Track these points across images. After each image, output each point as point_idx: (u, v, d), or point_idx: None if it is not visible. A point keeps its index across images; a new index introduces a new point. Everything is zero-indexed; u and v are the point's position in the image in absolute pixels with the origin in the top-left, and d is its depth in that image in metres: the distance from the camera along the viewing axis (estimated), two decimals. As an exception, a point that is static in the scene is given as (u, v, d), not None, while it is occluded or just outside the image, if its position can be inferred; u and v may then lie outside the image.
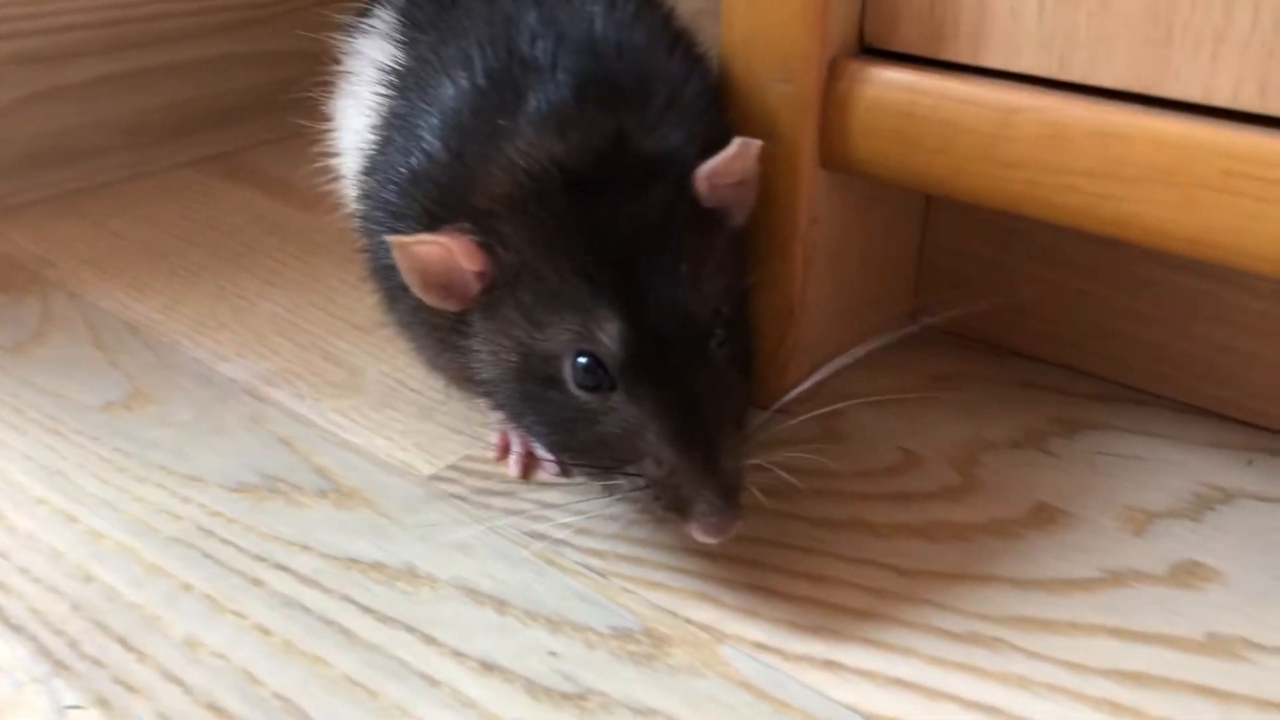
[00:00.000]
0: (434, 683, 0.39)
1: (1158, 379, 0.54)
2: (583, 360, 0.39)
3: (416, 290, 0.41)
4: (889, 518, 0.47)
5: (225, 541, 0.45)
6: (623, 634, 0.41)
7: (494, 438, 0.50)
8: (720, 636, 0.41)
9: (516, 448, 0.50)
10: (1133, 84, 0.41)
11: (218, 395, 0.55)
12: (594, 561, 0.44)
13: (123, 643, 0.40)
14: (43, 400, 0.55)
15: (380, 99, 0.47)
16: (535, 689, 0.39)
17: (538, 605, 0.42)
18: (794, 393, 0.44)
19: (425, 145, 0.43)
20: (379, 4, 0.52)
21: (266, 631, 0.41)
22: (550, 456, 0.49)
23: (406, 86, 0.46)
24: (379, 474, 0.49)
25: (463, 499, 0.48)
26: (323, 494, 0.48)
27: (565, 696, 0.38)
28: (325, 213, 0.57)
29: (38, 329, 0.61)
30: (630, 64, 0.43)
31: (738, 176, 0.42)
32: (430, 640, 0.40)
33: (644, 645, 0.40)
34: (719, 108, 0.46)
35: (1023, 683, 0.39)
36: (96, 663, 0.39)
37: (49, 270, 0.67)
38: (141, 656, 0.40)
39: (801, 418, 0.51)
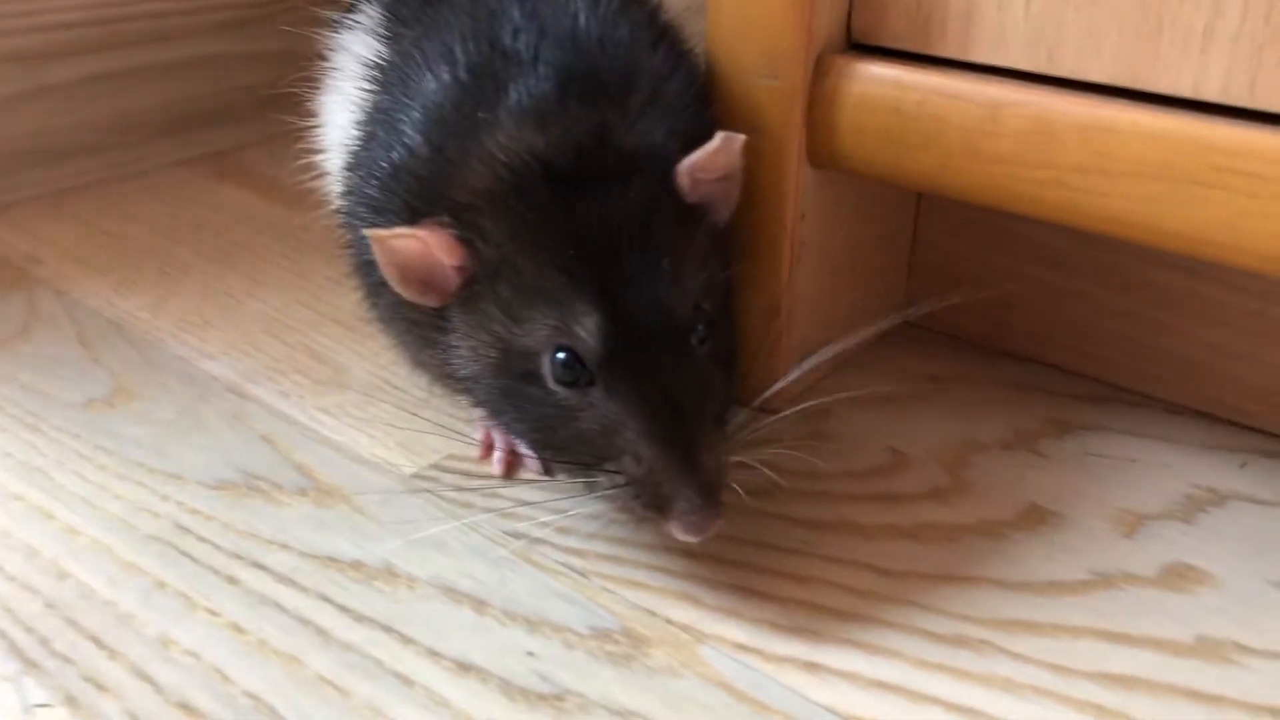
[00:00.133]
0: (408, 682, 0.38)
1: (1150, 380, 0.53)
2: (561, 355, 0.39)
3: (395, 285, 0.41)
4: (876, 518, 0.46)
5: (202, 539, 0.45)
6: (601, 634, 0.40)
7: (478, 436, 0.50)
8: (700, 637, 0.40)
9: (500, 446, 0.49)
10: (1121, 78, 0.41)
11: (200, 393, 0.55)
12: (574, 561, 0.44)
13: (95, 640, 0.40)
14: (24, 397, 0.54)
15: (364, 94, 0.47)
16: (511, 689, 0.38)
17: (516, 605, 0.42)
18: (776, 386, 0.44)
19: (406, 139, 0.42)
20: (365, 0, 0.51)
21: (240, 630, 0.40)
22: (534, 455, 0.48)
23: (389, 81, 0.46)
24: (360, 472, 0.49)
25: (444, 498, 0.47)
26: (302, 492, 0.47)
27: (542, 697, 0.38)
28: (311, 210, 0.57)
29: (23, 326, 0.61)
30: (613, 58, 0.42)
31: (721, 171, 0.42)
32: (406, 640, 0.40)
33: (623, 645, 0.40)
34: (703, 103, 0.46)
35: (1008, 685, 0.38)
36: (66, 660, 0.39)
37: (36, 268, 0.67)
38: (113, 654, 0.39)
39: (788, 415, 0.50)
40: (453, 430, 0.50)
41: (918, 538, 0.45)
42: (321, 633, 0.40)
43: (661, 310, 0.39)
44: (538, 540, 0.45)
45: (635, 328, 0.38)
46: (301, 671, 0.39)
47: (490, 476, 0.48)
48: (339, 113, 0.49)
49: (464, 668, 0.39)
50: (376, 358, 0.57)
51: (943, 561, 0.44)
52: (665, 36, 0.46)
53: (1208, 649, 0.40)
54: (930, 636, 0.40)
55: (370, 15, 0.49)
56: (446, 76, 0.42)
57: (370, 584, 0.42)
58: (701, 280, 0.40)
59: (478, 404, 0.45)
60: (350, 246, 0.48)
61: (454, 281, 0.41)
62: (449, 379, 0.45)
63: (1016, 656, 0.39)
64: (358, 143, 0.46)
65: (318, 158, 0.53)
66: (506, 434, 0.49)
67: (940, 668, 0.39)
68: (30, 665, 0.39)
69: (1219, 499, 0.47)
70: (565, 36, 0.42)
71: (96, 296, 0.64)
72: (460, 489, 0.48)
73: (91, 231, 0.72)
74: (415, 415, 0.53)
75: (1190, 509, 0.46)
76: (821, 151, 0.47)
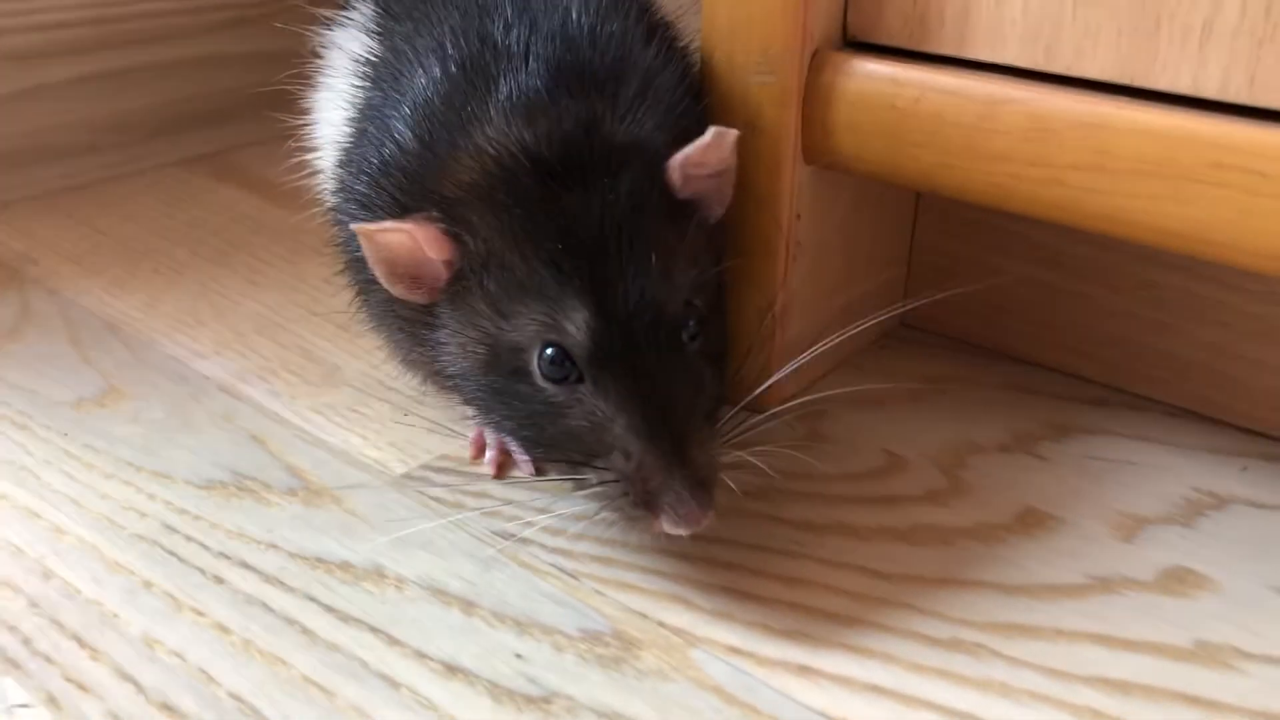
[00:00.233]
0: (394, 684, 0.38)
1: (1151, 382, 0.53)
2: (549, 351, 0.38)
3: (384, 281, 0.41)
4: (871, 521, 0.46)
5: (189, 539, 0.44)
6: (592, 636, 0.40)
7: (469, 436, 0.49)
8: (692, 640, 0.40)
9: (492, 446, 0.49)
10: (1119, 75, 0.40)
11: (192, 392, 0.54)
12: (565, 562, 0.43)
13: (78, 640, 0.39)
14: (14, 396, 0.54)
15: (356, 91, 0.47)
16: (499, 692, 0.37)
17: (506, 606, 0.41)
18: (768, 382, 0.43)
19: (396, 135, 0.42)
20: (359, -3, 0.51)
21: (225, 630, 0.40)
22: (525, 455, 0.48)
23: (380, 77, 0.45)
24: (351, 472, 0.48)
25: (435, 498, 0.47)
26: (292, 492, 0.47)
27: (529, 700, 0.37)
28: (305, 209, 0.56)
29: (14, 325, 0.60)
30: (604, 53, 0.42)
31: (713, 167, 0.41)
32: (393, 641, 0.39)
33: (613, 648, 0.39)
34: (696, 99, 0.45)
35: (1004, 690, 0.38)
36: (49, 661, 0.38)
37: (30, 267, 0.67)
38: (96, 654, 0.39)
39: (783, 416, 0.50)
40: (444, 430, 0.50)
41: (913, 540, 0.44)
42: (308, 633, 0.40)
43: (651, 306, 0.38)
44: (528, 541, 0.44)
45: (624, 323, 0.38)
46: (287, 672, 0.38)
47: (482, 477, 0.48)
48: (331, 110, 0.49)
49: (451, 669, 0.38)
50: (369, 357, 0.56)
51: (939, 565, 0.43)
52: (658, 32, 0.46)
53: (1207, 654, 0.39)
54: (925, 640, 0.40)
55: (363, 12, 0.49)
56: (437, 71, 0.42)
57: (358, 584, 0.42)
58: (692, 276, 0.40)
59: (467, 402, 0.44)
60: (341, 244, 0.47)
61: (442, 277, 0.40)
62: (439, 377, 0.45)
63: (1013, 661, 0.39)
64: (349, 140, 0.46)
65: (310, 155, 0.53)
66: (498, 434, 0.48)
67: (935, 672, 0.38)
68: (11, 665, 0.38)
69: (1219, 503, 0.46)
70: (556, 31, 0.42)
71: (90, 296, 0.63)
72: (451, 489, 0.47)
73: (87, 231, 0.72)
74: (407, 415, 0.52)
75: (1190, 513, 0.46)
76: (817, 149, 0.47)
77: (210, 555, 0.43)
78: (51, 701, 0.37)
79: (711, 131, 0.40)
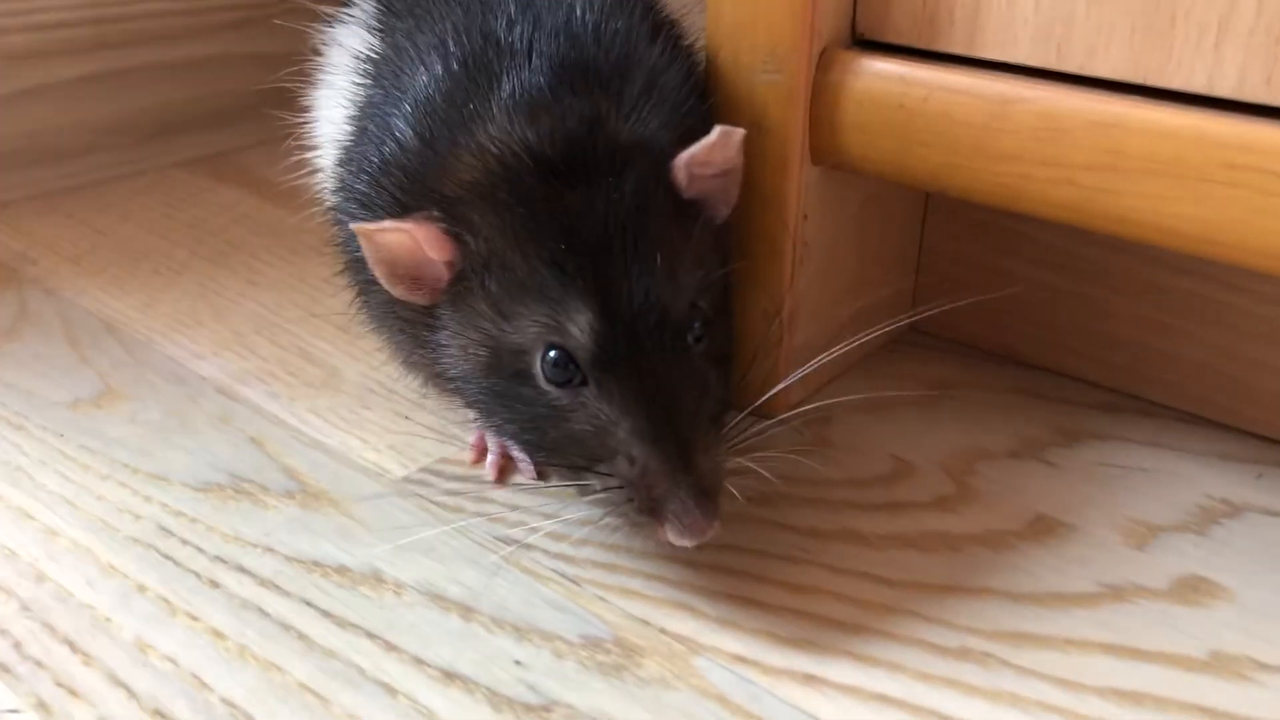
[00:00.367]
0: (391, 691, 0.37)
1: (1163, 388, 0.52)
2: (552, 354, 0.38)
3: (384, 282, 0.40)
4: (879, 527, 0.45)
5: (185, 542, 0.44)
6: (593, 643, 0.39)
7: (470, 439, 0.49)
8: (696, 648, 0.39)
9: (493, 450, 0.48)
10: (1133, 74, 0.39)
11: (190, 394, 0.54)
12: (567, 567, 0.42)
13: (70, 645, 0.39)
14: (10, 396, 0.53)
15: (356, 88, 0.46)
16: (497, 699, 0.37)
17: (505, 612, 0.40)
18: (776, 388, 0.42)
19: (397, 133, 0.41)
20: (360, -7, 0.50)
21: (220, 635, 0.39)
22: (527, 458, 0.47)
23: (381, 75, 0.45)
24: (349, 475, 0.48)
25: (435, 502, 0.46)
26: (289, 495, 0.46)
27: (528, 708, 0.36)
28: (305, 209, 0.56)
29: (11, 326, 0.60)
30: (608, 50, 0.41)
31: (719, 167, 0.40)
32: (390, 647, 0.39)
33: (614, 655, 0.38)
34: (702, 97, 0.44)
35: (1013, 700, 0.37)
36: (39, 665, 0.38)
37: (29, 267, 0.66)
38: (88, 659, 0.38)
39: (790, 421, 0.49)
40: (445, 433, 0.49)
41: (922, 547, 0.44)
42: (304, 638, 0.39)
43: (656, 307, 0.37)
44: (529, 546, 0.43)
45: (629, 325, 0.37)
46: (281, 678, 0.37)
47: (483, 481, 0.47)
48: (332, 108, 0.48)
49: (449, 676, 0.37)
50: (370, 359, 0.56)
51: (947, 572, 0.42)
52: (663, 30, 0.45)
53: (1221, 665, 0.38)
54: (934, 649, 0.39)
55: (364, 8, 0.49)
56: (439, 69, 0.41)
57: (355, 589, 0.41)
58: (698, 277, 0.39)
59: (468, 405, 0.43)
60: (341, 243, 0.47)
61: (443, 277, 0.39)
62: (440, 379, 0.44)
63: (1023, 670, 0.38)
64: (350, 138, 0.45)
65: (310, 154, 0.52)
66: (500, 437, 0.47)
67: (943, 681, 0.38)
68: (2, 669, 0.37)
69: (1234, 510, 0.46)
70: (560, 28, 0.41)
71: (88, 296, 0.63)
72: (451, 493, 0.46)
73: (86, 231, 0.71)
74: (407, 418, 0.51)
75: (1204, 520, 0.45)
76: (825, 149, 0.46)
77: (206, 559, 0.43)
78: (42, 707, 0.36)
79: (717, 130, 0.39)
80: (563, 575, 0.42)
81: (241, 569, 0.42)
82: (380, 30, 0.46)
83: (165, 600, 0.41)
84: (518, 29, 0.41)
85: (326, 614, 0.40)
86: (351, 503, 0.46)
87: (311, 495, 0.46)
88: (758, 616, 0.40)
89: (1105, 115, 0.39)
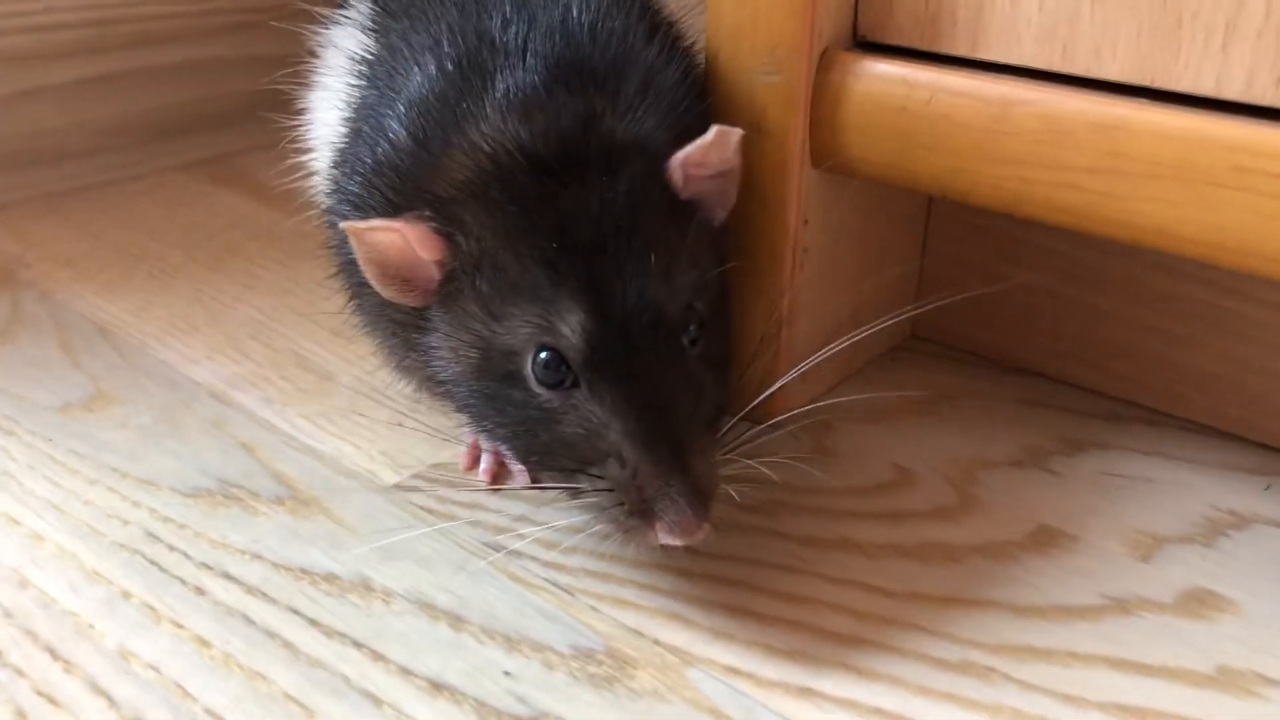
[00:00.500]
0: (377, 702, 0.36)
1: (1169, 397, 0.51)
2: (543, 355, 0.37)
3: (375, 283, 0.39)
4: (878, 537, 0.44)
5: (172, 548, 0.43)
6: (584, 654, 0.38)
7: (464, 445, 0.48)
8: (689, 659, 0.38)
9: (487, 455, 0.47)
10: (1138, 76, 0.39)
11: (182, 398, 0.53)
12: (560, 576, 0.42)
13: (51, 652, 0.38)
14: None
15: (351, 90, 0.45)
16: (486, 711, 0.36)
17: (496, 621, 0.39)
18: (772, 385, 0.41)
19: (390, 134, 0.41)
20: (356, -6, 0.50)
21: (205, 643, 0.38)
22: (521, 466, 0.47)
23: (376, 75, 0.44)
24: (340, 481, 0.47)
25: (426, 509, 0.45)
26: (279, 501, 0.46)
27: (517, 720, 0.36)
28: (301, 212, 0.55)
29: (4, 328, 0.59)
30: (604, 49, 0.41)
31: (716, 167, 0.40)
32: (378, 656, 0.38)
33: (606, 667, 0.38)
34: (700, 98, 0.44)
35: (1015, 715, 0.36)
36: (19, 673, 0.37)
37: (24, 270, 0.66)
38: (69, 667, 0.37)
39: (789, 428, 0.48)
40: (438, 438, 0.49)
41: (922, 558, 0.43)
42: (289, 647, 0.38)
43: (650, 307, 0.37)
44: (521, 554, 0.43)
45: (621, 325, 0.36)
46: (266, 688, 0.37)
47: (475, 487, 0.47)
48: (327, 110, 0.48)
49: (437, 687, 0.37)
50: (363, 363, 0.55)
51: (948, 583, 0.41)
52: (660, 30, 0.44)
53: (1228, 680, 0.37)
54: (934, 662, 0.38)
55: (360, 9, 0.48)
56: (433, 69, 0.41)
57: (344, 597, 0.40)
58: (693, 278, 0.38)
59: (460, 409, 0.43)
60: (334, 246, 0.46)
61: (434, 278, 0.39)
62: (432, 383, 0.44)
63: (1025, 685, 0.37)
64: (344, 140, 0.45)
65: (306, 157, 0.51)
66: (492, 442, 0.47)
67: (944, 696, 0.37)
68: (-19, 677, 0.37)
69: (1241, 522, 0.45)
70: (556, 27, 0.41)
71: (83, 299, 0.62)
72: (443, 500, 0.46)
73: (83, 234, 0.71)
74: (400, 424, 0.51)
75: (1210, 532, 0.44)
76: (825, 151, 0.45)
77: (192, 565, 0.42)
78: (20, 715, 0.35)
79: (714, 130, 0.38)
80: (555, 584, 0.41)
81: (228, 576, 0.41)
82: (375, 31, 0.46)
83: (150, 607, 0.40)
84: (513, 28, 0.41)
85: (314, 622, 0.39)
86: (342, 509, 0.45)
87: (302, 501, 0.46)
88: (753, 627, 0.39)
89: (1109, 118, 0.39)
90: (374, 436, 0.50)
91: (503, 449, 0.46)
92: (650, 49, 0.42)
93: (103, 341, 0.58)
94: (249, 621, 0.39)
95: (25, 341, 0.58)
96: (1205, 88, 0.37)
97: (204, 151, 0.83)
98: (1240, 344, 0.48)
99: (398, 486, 0.47)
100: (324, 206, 0.48)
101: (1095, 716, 0.36)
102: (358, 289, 0.45)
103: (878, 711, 0.36)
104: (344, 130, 0.45)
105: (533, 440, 0.38)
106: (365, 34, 0.46)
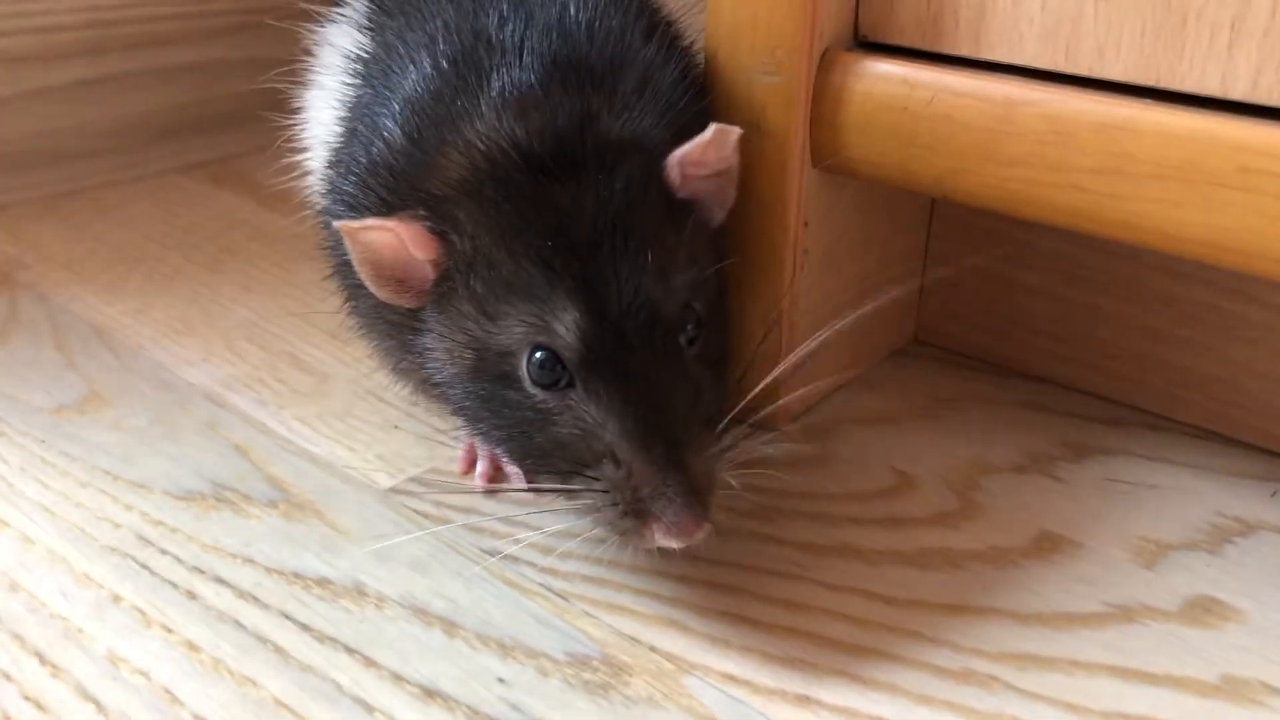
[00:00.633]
0: (369, 709, 0.36)
1: (1174, 402, 0.51)
2: (538, 355, 0.36)
3: (370, 284, 0.39)
4: (878, 543, 0.43)
5: (163, 551, 0.42)
6: (579, 661, 0.38)
7: (460, 448, 0.47)
8: (686, 666, 0.38)
9: (483, 459, 0.47)
10: (1143, 76, 0.38)
11: (177, 400, 0.52)
12: (555, 582, 0.41)
13: (39, 657, 0.37)
14: (-6, 401, 0.52)
15: (346, 89, 0.45)
16: (478, 718, 0.35)
17: (490, 628, 0.39)
18: (766, 384, 0.41)
19: (385, 133, 0.40)
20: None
21: (195, 648, 0.38)
22: (517, 470, 0.46)
23: (371, 74, 0.44)
24: (335, 485, 0.46)
25: (422, 513, 0.45)
26: (273, 504, 0.45)
27: (511, 727, 0.35)
28: (300, 214, 0.55)
29: (0, 329, 0.59)
30: (601, 47, 0.40)
31: (714, 167, 0.39)
32: (370, 662, 0.37)
33: (601, 674, 0.37)
34: (698, 96, 0.43)
35: (1017, 725, 0.35)
36: (7, 678, 0.37)
37: (21, 272, 0.65)
38: (57, 672, 0.37)
39: (788, 432, 0.48)
40: (434, 442, 0.48)
41: (923, 564, 0.42)
42: (280, 652, 0.38)
43: (646, 306, 0.36)
44: (516, 559, 0.42)
45: (617, 324, 0.36)
46: (256, 694, 0.36)
47: (471, 491, 0.46)
48: (322, 110, 0.47)
49: (430, 694, 0.36)
50: (360, 366, 0.54)
51: (949, 590, 0.41)
52: (659, 29, 0.44)
53: (1233, 689, 0.37)
54: (934, 670, 0.37)
55: (356, 8, 0.48)
56: (428, 67, 0.40)
57: (336, 602, 0.40)
58: (690, 277, 0.38)
59: (455, 411, 0.42)
60: (330, 247, 0.46)
61: (429, 278, 0.38)
62: (427, 385, 0.43)
63: (1027, 694, 0.37)
64: (339, 139, 0.44)
65: (301, 157, 0.51)
66: (488, 445, 0.46)
67: (945, 705, 0.36)
68: (-32, 682, 0.36)
69: (1247, 529, 0.44)
70: (553, 25, 0.40)
71: (80, 301, 0.62)
72: (439, 504, 0.45)
73: (81, 236, 0.70)
74: (396, 426, 0.50)
75: (1216, 539, 0.44)
76: (826, 153, 0.45)
77: (184, 569, 0.41)
78: (6, 721, 0.35)
79: (712, 128, 0.38)
80: (550, 590, 0.41)
81: (220, 580, 0.41)
82: (371, 29, 0.45)
83: (140, 611, 0.39)
84: (509, 27, 0.40)
85: (306, 627, 0.39)
86: (336, 513, 0.45)
87: (295, 505, 0.45)
88: (750, 635, 0.39)
89: (1114, 118, 0.38)
90: (370, 440, 0.50)
91: (498, 452, 0.45)
92: (648, 47, 0.42)
93: (99, 343, 0.58)
94: (240, 626, 0.39)
95: (21, 342, 0.57)
96: (1210, 88, 0.37)
97: (204, 153, 0.82)
98: (1244, 347, 0.48)
99: (393, 490, 0.46)
100: (319, 207, 0.47)
101: (1098, 726, 0.35)
102: (354, 290, 0.45)
103: (877, 720, 0.36)
104: (339, 130, 0.45)
105: (528, 442, 0.38)
106: (361, 32, 0.46)
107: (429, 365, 0.40)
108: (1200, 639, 0.39)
